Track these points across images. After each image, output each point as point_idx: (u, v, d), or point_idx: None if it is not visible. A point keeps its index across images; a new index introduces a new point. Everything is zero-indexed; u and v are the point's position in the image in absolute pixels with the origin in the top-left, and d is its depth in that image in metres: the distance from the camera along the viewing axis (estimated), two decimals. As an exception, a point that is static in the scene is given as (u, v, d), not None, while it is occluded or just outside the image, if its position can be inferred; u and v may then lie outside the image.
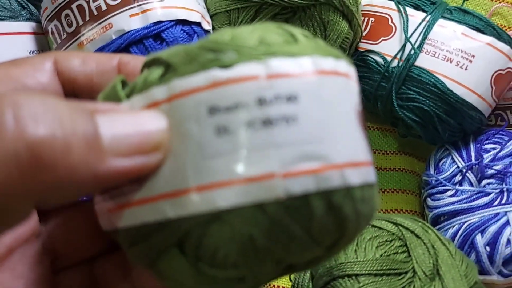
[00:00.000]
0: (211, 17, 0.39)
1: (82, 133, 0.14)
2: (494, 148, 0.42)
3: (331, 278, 0.33)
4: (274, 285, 0.43)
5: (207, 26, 0.37)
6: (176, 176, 0.15)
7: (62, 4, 0.34)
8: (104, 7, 0.32)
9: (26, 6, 0.38)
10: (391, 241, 0.35)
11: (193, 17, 0.34)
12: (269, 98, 0.15)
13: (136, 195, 0.16)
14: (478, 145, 0.42)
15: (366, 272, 0.32)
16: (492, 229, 0.38)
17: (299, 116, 0.15)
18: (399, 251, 0.34)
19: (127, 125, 0.15)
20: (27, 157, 0.13)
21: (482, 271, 0.38)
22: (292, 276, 0.37)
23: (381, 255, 0.34)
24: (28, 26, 0.37)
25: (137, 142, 0.15)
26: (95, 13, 0.33)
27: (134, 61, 0.21)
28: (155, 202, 0.15)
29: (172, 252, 0.16)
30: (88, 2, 0.33)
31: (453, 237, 0.39)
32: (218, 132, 0.15)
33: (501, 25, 0.52)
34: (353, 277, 0.32)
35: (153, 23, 0.33)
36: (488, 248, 0.37)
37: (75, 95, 0.20)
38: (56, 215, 0.21)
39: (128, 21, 0.32)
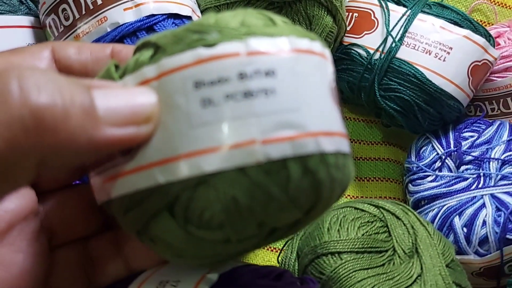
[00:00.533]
0: (201, 12, 0.41)
1: (79, 103, 0.16)
2: (472, 136, 0.44)
3: (315, 256, 0.35)
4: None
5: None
6: (165, 145, 0.17)
7: None
8: (99, 1, 0.34)
9: (24, 2, 0.40)
10: (372, 222, 0.37)
11: (184, 11, 0.36)
12: (249, 72, 0.16)
13: (129, 165, 0.18)
14: (457, 133, 0.44)
15: (348, 250, 0.34)
16: (469, 211, 0.40)
17: (276, 89, 0.16)
18: (380, 231, 0.36)
19: (120, 99, 0.17)
20: (31, 120, 0.15)
21: (460, 251, 0.39)
22: (280, 258, 0.39)
23: (362, 235, 0.35)
24: (26, 20, 0.39)
25: (129, 113, 0.17)
26: (91, 7, 0.34)
27: (126, 49, 0.23)
28: (146, 170, 0.17)
29: (163, 215, 0.17)
30: (83, -4, 0.34)
31: (432, 220, 0.41)
32: (203, 104, 0.16)
33: (481, 21, 0.54)
34: (336, 254, 0.34)
35: (145, 16, 0.34)
36: (465, 229, 0.39)
37: None
38: (53, 195, 0.22)
39: (122, 15, 0.34)
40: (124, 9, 0.34)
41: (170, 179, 0.16)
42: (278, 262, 0.40)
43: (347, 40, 0.47)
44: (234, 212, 0.16)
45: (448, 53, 0.43)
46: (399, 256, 0.35)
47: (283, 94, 0.16)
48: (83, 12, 0.35)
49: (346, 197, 0.48)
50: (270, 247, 0.45)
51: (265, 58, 0.17)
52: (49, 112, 0.15)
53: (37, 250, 0.21)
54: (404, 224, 0.37)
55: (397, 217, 0.37)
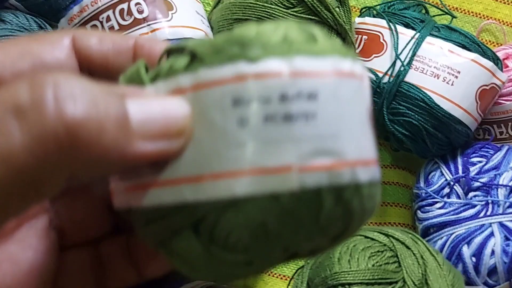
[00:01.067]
0: (214, 35, 0.40)
1: (114, 116, 0.15)
2: (480, 161, 0.44)
3: (326, 287, 0.34)
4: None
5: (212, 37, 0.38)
6: (197, 162, 0.16)
7: (78, 24, 0.35)
8: (116, 27, 0.34)
9: (43, 27, 0.40)
10: (382, 251, 0.36)
11: (198, 35, 0.36)
12: (291, 94, 0.16)
13: (156, 177, 0.17)
14: (465, 158, 0.44)
15: (359, 281, 0.34)
16: (478, 240, 0.39)
17: (318, 113, 0.16)
18: (390, 261, 0.36)
19: (154, 110, 0.16)
20: (65, 136, 0.14)
21: (469, 282, 0.39)
22: (290, 287, 0.38)
23: (373, 265, 0.35)
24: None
25: (163, 126, 0.16)
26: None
27: (150, 43, 0.22)
28: (174, 185, 0.16)
29: (186, 232, 0.17)
30: (101, 23, 0.34)
31: (441, 248, 0.40)
32: (241, 123, 0.15)
33: (490, 41, 0.54)
34: (347, 286, 0.34)
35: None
36: (474, 259, 0.39)
37: (90, 73, 0.21)
38: (64, 194, 0.21)
39: (139, 40, 0.34)
40: (140, 34, 0.34)
41: (199, 197, 0.16)
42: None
43: (355, 62, 0.46)
44: (261, 237, 0.16)
45: (456, 77, 0.43)
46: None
47: (323, 119, 0.16)
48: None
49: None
50: (280, 275, 0.44)
51: (308, 80, 0.16)
52: (84, 128, 0.14)
53: (46, 248, 0.20)
54: (413, 254, 0.37)
55: (407, 247, 0.37)
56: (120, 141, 0.15)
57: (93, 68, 0.21)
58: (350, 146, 0.16)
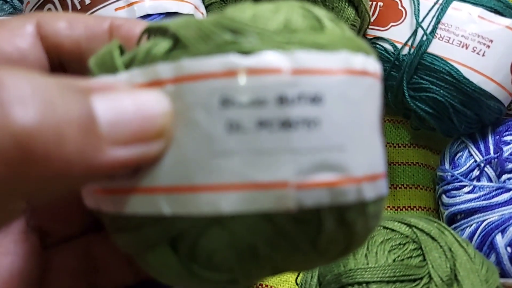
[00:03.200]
0: (206, 7, 0.37)
1: (76, 118, 0.12)
2: (514, 140, 0.39)
3: (339, 286, 0.31)
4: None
5: (201, 18, 0.35)
6: (177, 169, 0.14)
7: None
8: (87, 1, 0.30)
9: (9, 0, 0.36)
10: (404, 244, 0.33)
11: (185, 9, 0.32)
12: (292, 96, 0.13)
13: (128, 182, 0.15)
14: (497, 137, 0.40)
15: (378, 279, 0.30)
16: (514, 228, 0.35)
17: (322, 120, 0.13)
18: (414, 254, 0.32)
19: (127, 107, 0.13)
20: (14, 150, 0.11)
21: (503, 274, 0.36)
22: (298, 279, 0.35)
23: (394, 260, 0.32)
24: (11, 21, 0.35)
25: (138, 127, 0.13)
26: (78, 7, 0.31)
27: (128, 24, 0.19)
28: (150, 195, 0.14)
29: (163, 248, 0.15)
30: (71, -5, 0.30)
31: (470, 237, 0.37)
32: (230, 128, 0.13)
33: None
34: (364, 284, 0.30)
35: (140, 16, 0.31)
36: (509, 249, 0.35)
37: (60, 63, 0.19)
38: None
39: (114, 15, 0.30)
40: (116, 9, 0.30)
41: (177, 211, 0.14)
42: (297, 284, 0.37)
43: (371, 33, 0.42)
44: (249, 259, 0.14)
45: (488, 46, 0.38)
46: (436, 285, 0.31)
47: (328, 127, 0.13)
48: (70, 12, 0.31)
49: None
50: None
51: (312, 79, 0.13)
52: (38, 137, 0.12)
53: (26, 251, 0.19)
54: (440, 246, 0.33)
55: (433, 238, 0.33)
56: (86, 150, 0.12)
57: (64, 57, 0.19)
58: (358, 159, 0.14)
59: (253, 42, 0.14)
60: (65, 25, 0.18)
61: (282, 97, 0.13)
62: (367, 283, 0.30)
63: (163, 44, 0.15)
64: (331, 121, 0.14)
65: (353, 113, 0.14)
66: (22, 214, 0.19)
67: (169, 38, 0.15)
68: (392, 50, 0.41)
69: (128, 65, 0.15)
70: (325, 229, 0.14)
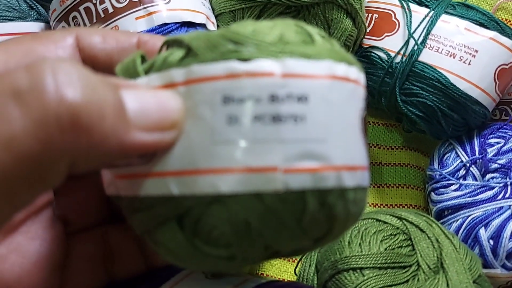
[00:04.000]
0: (216, 17, 0.39)
1: (112, 103, 0.15)
2: (498, 143, 0.42)
3: (335, 272, 0.34)
4: (279, 279, 0.44)
5: (212, 27, 0.37)
6: (185, 156, 0.16)
7: (70, 6, 0.34)
8: (110, 10, 0.33)
9: (34, 7, 0.39)
10: (395, 235, 0.35)
11: (198, 18, 0.35)
12: (282, 95, 0.15)
13: (143, 168, 0.17)
14: (482, 139, 0.42)
15: (371, 265, 0.33)
16: (496, 222, 0.38)
17: (307, 116, 0.16)
18: (404, 244, 0.35)
19: (149, 101, 0.16)
20: (67, 119, 0.14)
21: (486, 265, 0.38)
22: (297, 270, 0.38)
23: (385, 249, 0.34)
24: (37, 26, 0.38)
25: (158, 118, 0.16)
26: (102, 15, 0.33)
27: (153, 40, 0.22)
28: (161, 178, 0.16)
29: (171, 224, 0.17)
30: (95, 5, 0.33)
31: (456, 231, 0.39)
32: (229, 120, 0.15)
33: (506, 19, 0.51)
34: (358, 270, 0.33)
35: (158, 25, 0.33)
36: (491, 242, 0.38)
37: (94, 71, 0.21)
38: (65, 183, 0.22)
39: (134, 24, 0.33)
40: (136, 18, 0.33)
41: (185, 192, 0.16)
42: (296, 274, 0.39)
43: (367, 42, 0.45)
44: (243, 234, 0.16)
45: (474, 56, 0.41)
46: (423, 272, 0.34)
47: (312, 122, 0.16)
48: (94, 20, 0.34)
49: (368, 206, 0.47)
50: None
51: (299, 82, 0.16)
52: (85, 112, 0.14)
53: (53, 237, 0.20)
54: (428, 237, 0.35)
55: (421, 230, 0.36)
56: (119, 129, 0.15)
57: (97, 66, 0.21)
58: (337, 151, 0.16)
59: (251, 51, 0.16)
60: (99, 39, 0.21)
61: (274, 96, 0.15)
62: (361, 268, 0.33)
63: (177, 53, 0.17)
64: (314, 117, 0.16)
65: (335, 112, 0.16)
66: (49, 204, 0.21)
67: (182, 48, 0.17)
68: (386, 58, 0.43)
69: (147, 71, 0.18)
70: (308, 209, 0.16)
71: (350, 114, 0.17)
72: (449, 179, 0.41)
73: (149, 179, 0.17)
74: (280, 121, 0.15)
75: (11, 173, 0.13)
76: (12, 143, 0.13)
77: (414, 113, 0.42)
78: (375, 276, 0.32)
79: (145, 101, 0.16)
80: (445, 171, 0.42)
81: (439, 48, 0.42)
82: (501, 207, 0.38)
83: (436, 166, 0.43)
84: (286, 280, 0.43)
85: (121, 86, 0.16)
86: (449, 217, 0.40)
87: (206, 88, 0.16)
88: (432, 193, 0.43)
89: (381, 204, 0.47)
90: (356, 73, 0.17)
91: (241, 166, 0.15)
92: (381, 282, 0.32)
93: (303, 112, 0.16)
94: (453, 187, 0.41)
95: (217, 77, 0.16)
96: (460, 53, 0.41)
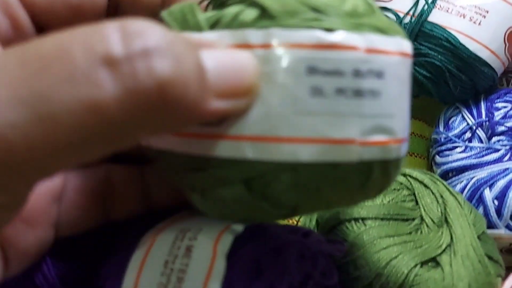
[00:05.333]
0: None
1: (195, 72, 0.14)
2: (505, 107, 0.41)
3: (337, 222, 0.33)
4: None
5: None
6: (264, 122, 0.16)
7: None
8: None
9: None
10: (399, 189, 0.35)
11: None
12: (364, 71, 0.16)
13: (213, 129, 0.16)
14: (489, 103, 0.42)
15: (373, 216, 0.32)
16: (501, 183, 0.37)
17: (382, 92, 0.16)
18: (407, 199, 0.34)
19: (227, 64, 0.15)
20: (156, 93, 0.13)
21: (490, 225, 0.37)
22: (299, 223, 0.37)
23: (388, 202, 0.33)
24: None
25: (235, 82, 0.15)
26: None
27: None
28: (236, 141, 0.16)
29: (237, 186, 0.17)
30: None
31: (461, 192, 0.39)
32: (313, 92, 0.16)
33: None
34: (360, 220, 0.32)
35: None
36: (496, 202, 0.37)
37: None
38: None
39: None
40: None
41: (261, 157, 0.16)
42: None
43: (377, 4, 0.44)
44: (311, 198, 0.17)
45: (484, 16, 0.40)
46: (427, 225, 0.33)
47: (386, 98, 0.16)
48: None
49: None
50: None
51: (379, 58, 0.16)
52: (172, 86, 0.14)
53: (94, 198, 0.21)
54: (432, 193, 0.35)
55: (425, 186, 0.35)
56: (199, 98, 0.14)
57: None
58: (400, 125, 0.17)
59: (334, 22, 0.16)
60: None
61: (357, 70, 0.16)
62: (363, 219, 0.32)
63: (250, 12, 0.16)
64: (388, 93, 0.16)
65: (401, 88, 0.17)
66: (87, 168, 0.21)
67: (255, 7, 0.16)
68: (395, 20, 0.43)
69: (213, 26, 0.17)
70: (373, 177, 0.17)
71: (408, 89, 0.18)
72: (454, 141, 0.41)
73: (223, 141, 0.16)
74: (361, 96, 0.16)
75: (90, 134, 0.13)
76: (99, 107, 0.13)
77: (422, 74, 0.42)
78: (377, 226, 0.32)
79: (224, 63, 0.15)
80: (451, 133, 0.41)
81: (449, 8, 0.41)
82: (507, 169, 0.38)
83: (441, 129, 0.43)
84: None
85: (201, 46, 0.15)
86: (453, 178, 0.40)
87: (289, 55, 0.16)
88: (437, 156, 0.42)
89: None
90: (410, 47, 0.18)
91: (322, 137, 0.16)
92: (383, 232, 0.31)
93: (379, 88, 0.16)
94: (458, 150, 0.40)
95: (302, 45, 0.16)
96: (471, 14, 0.41)
